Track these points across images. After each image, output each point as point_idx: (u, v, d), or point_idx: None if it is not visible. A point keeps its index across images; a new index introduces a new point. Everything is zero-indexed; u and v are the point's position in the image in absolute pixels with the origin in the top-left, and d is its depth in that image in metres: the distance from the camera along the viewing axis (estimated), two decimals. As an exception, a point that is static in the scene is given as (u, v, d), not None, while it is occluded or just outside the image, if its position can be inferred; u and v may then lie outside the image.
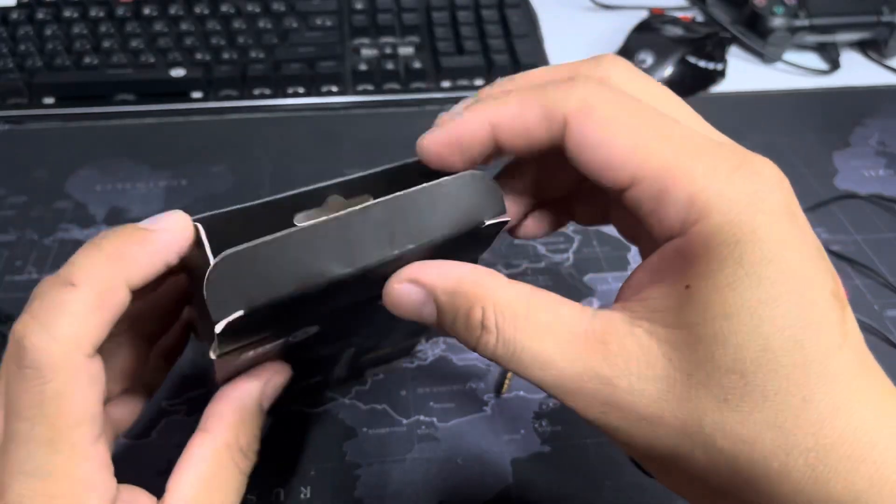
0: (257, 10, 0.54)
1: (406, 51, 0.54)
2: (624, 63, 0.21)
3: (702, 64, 0.54)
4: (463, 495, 0.30)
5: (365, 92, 0.52)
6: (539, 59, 0.54)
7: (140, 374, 0.24)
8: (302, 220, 0.21)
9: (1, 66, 0.50)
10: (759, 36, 0.57)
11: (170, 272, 0.20)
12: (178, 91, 0.51)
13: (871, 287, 0.39)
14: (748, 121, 0.52)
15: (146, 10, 0.53)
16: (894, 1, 0.57)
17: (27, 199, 0.43)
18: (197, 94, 0.51)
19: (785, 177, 0.17)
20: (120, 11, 0.53)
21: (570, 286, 0.39)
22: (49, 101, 0.50)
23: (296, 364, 0.25)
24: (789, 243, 0.16)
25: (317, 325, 0.23)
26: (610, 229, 0.42)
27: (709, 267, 0.16)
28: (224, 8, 0.54)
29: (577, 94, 0.18)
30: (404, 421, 0.32)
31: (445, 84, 0.53)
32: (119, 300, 0.19)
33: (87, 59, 0.50)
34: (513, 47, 0.54)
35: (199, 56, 0.51)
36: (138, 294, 0.19)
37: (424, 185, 0.20)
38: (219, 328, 0.18)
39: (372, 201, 0.19)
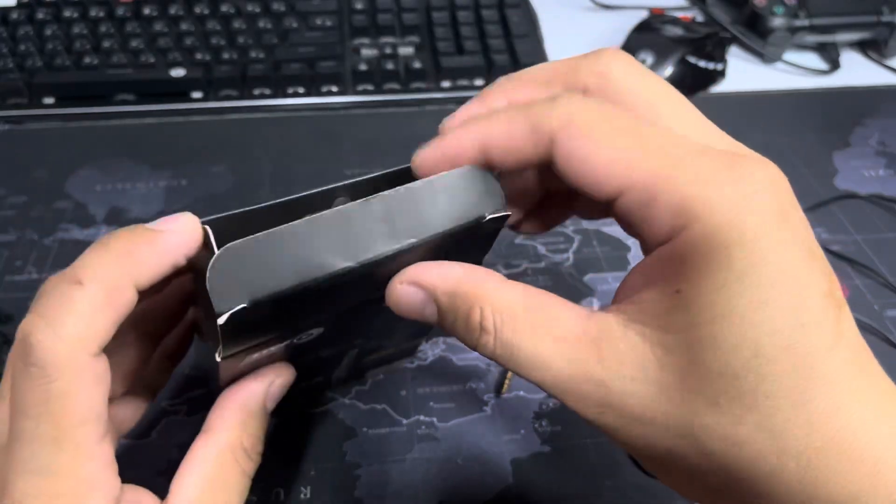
0: (257, 10, 0.54)
1: (406, 51, 0.54)
2: (624, 57, 0.21)
3: (702, 64, 0.54)
4: (463, 495, 0.30)
5: (365, 92, 0.52)
6: (539, 59, 0.54)
7: (143, 374, 0.24)
8: None
9: (1, 66, 0.50)
10: (759, 36, 0.57)
11: (176, 273, 0.20)
12: (178, 91, 0.51)
13: (871, 287, 0.39)
14: (748, 121, 0.52)
15: (146, 10, 0.53)
16: (894, 1, 0.57)
17: (27, 199, 0.43)
18: (197, 94, 0.51)
19: (779, 177, 0.17)
20: (120, 11, 0.53)
21: (570, 286, 0.39)
22: (49, 101, 0.50)
23: (298, 365, 0.25)
24: (780, 246, 0.16)
25: (321, 327, 0.23)
26: (610, 229, 0.42)
27: (698, 271, 0.16)
28: (224, 8, 0.54)
29: (562, 110, 0.18)
30: (404, 421, 0.32)
31: (445, 84, 0.53)
32: (126, 300, 0.18)
33: (87, 59, 0.50)
34: (513, 47, 0.54)
35: (199, 56, 0.51)
36: (144, 294, 0.19)
37: (424, 179, 0.20)
38: (221, 320, 0.18)
39: (373, 195, 0.19)
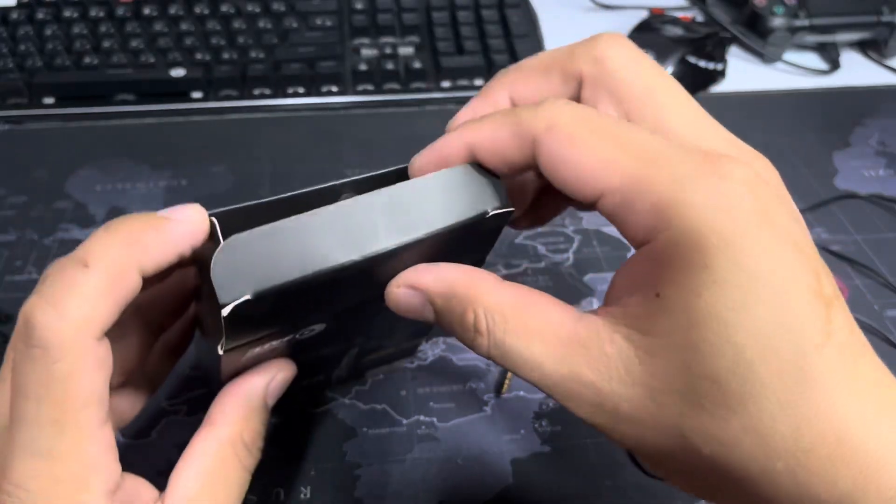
0: (257, 10, 0.54)
1: (406, 51, 0.54)
2: (621, 41, 0.21)
3: (702, 64, 0.54)
4: (463, 495, 0.30)
5: (365, 92, 0.52)
6: (539, 59, 0.54)
7: (143, 366, 0.24)
8: None
9: (1, 66, 0.50)
10: (759, 36, 0.57)
11: (179, 265, 0.20)
12: (178, 91, 0.51)
13: (871, 287, 0.39)
14: (748, 121, 0.52)
15: (146, 10, 0.53)
16: (894, 1, 0.57)
17: (27, 199, 0.43)
18: (197, 94, 0.51)
19: (761, 175, 0.17)
20: (120, 11, 0.53)
21: (570, 286, 0.39)
22: (49, 101, 0.50)
23: (300, 363, 0.25)
24: (759, 247, 0.16)
25: (323, 323, 0.23)
26: (610, 229, 0.42)
27: (677, 275, 0.16)
28: (224, 8, 0.54)
29: (545, 114, 0.19)
30: (404, 421, 0.32)
31: (445, 84, 0.53)
32: (131, 285, 0.18)
33: (87, 59, 0.50)
34: (513, 47, 0.54)
35: (199, 56, 0.51)
36: (147, 283, 0.19)
37: (429, 175, 0.20)
38: (225, 312, 0.18)
39: (377, 190, 0.19)
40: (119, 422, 0.23)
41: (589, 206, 0.19)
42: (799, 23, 0.56)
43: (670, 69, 0.53)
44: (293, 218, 0.18)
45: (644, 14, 0.60)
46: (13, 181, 0.44)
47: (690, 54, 0.54)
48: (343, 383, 0.33)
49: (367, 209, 0.19)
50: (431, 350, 0.35)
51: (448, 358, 0.35)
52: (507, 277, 0.20)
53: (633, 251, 0.18)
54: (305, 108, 0.51)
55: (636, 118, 0.20)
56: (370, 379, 0.34)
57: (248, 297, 0.18)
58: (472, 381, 0.34)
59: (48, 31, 0.52)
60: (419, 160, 0.21)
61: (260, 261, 0.18)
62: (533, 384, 0.18)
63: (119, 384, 0.23)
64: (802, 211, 0.18)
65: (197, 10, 0.54)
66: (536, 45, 0.56)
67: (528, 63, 0.22)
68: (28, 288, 0.37)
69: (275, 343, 0.22)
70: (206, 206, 0.20)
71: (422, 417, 0.32)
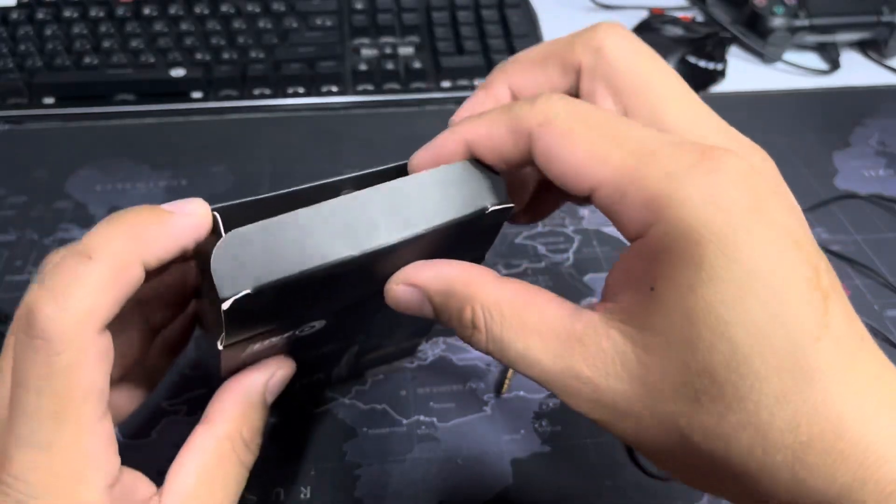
0: (257, 10, 0.54)
1: (406, 51, 0.54)
2: (619, 31, 0.21)
3: (702, 64, 0.54)
4: (463, 495, 0.30)
5: (365, 92, 0.52)
6: (539, 59, 0.54)
7: (142, 361, 0.24)
8: None
9: (1, 66, 0.50)
10: (759, 36, 0.57)
11: (180, 259, 0.20)
12: (178, 91, 0.51)
13: (871, 287, 0.39)
14: (748, 121, 0.52)
15: (146, 10, 0.53)
16: (894, 1, 0.57)
17: (27, 199, 0.43)
18: (197, 94, 0.51)
19: (755, 167, 0.17)
20: (120, 11, 0.53)
21: (570, 286, 0.39)
22: (49, 101, 0.50)
23: (300, 361, 0.25)
24: (753, 241, 0.16)
25: (323, 320, 0.23)
26: (610, 229, 0.42)
27: (670, 270, 0.16)
28: (224, 8, 0.54)
29: (539, 110, 0.19)
30: (404, 421, 0.32)
31: (445, 84, 0.53)
32: (133, 277, 0.18)
33: (87, 59, 0.50)
34: (513, 47, 0.54)
35: (199, 56, 0.51)
36: (148, 277, 0.19)
37: (429, 170, 0.20)
38: (226, 306, 0.18)
39: (377, 185, 0.19)
40: (117, 416, 0.23)
41: (585, 199, 0.19)
42: (799, 23, 0.56)
43: (670, 69, 0.53)
44: (293, 213, 0.18)
45: (644, 14, 0.60)
46: (13, 181, 0.44)
47: (690, 54, 0.54)
48: (343, 382, 0.33)
49: (366, 204, 0.19)
50: (431, 350, 0.35)
51: (448, 358, 0.35)
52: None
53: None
54: (305, 108, 0.51)
55: (633, 109, 0.20)
56: (370, 379, 0.34)
57: (248, 291, 0.18)
58: (472, 381, 0.34)
59: (48, 31, 0.52)
60: (418, 157, 0.22)
61: (260, 255, 0.18)
62: (532, 379, 0.18)
63: (118, 378, 0.23)
64: (803, 211, 0.18)
65: (197, 10, 0.54)
66: (536, 45, 0.56)
67: (527, 54, 0.23)
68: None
69: (275, 339, 0.22)
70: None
71: (422, 417, 0.32)
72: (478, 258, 0.25)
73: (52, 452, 0.18)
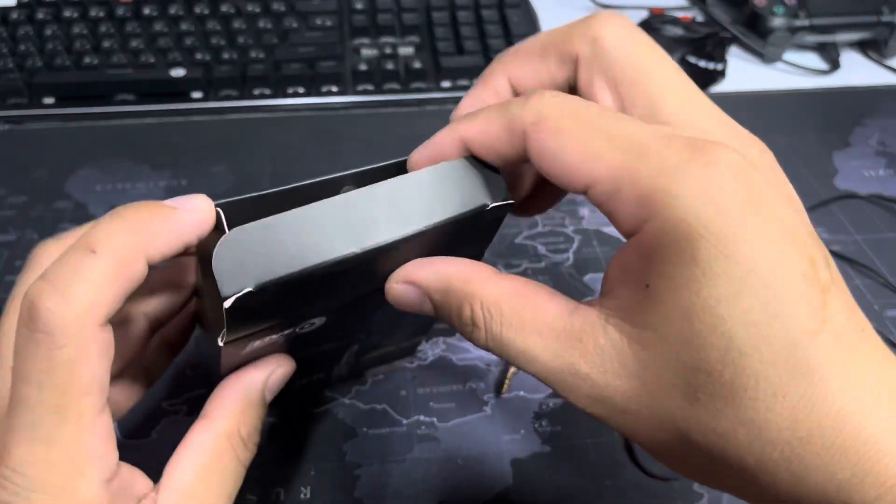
0: (257, 10, 0.54)
1: (406, 51, 0.54)
2: (616, 20, 0.21)
3: (702, 64, 0.54)
4: (463, 495, 0.30)
5: (365, 92, 0.52)
6: (539, 59, 0.54)
7: (140, 358, 0.24)
8: None
9: (1, 66, 0.50)
10: (759, 36, 0.57)
11: (182, 255, 0.20)
12: (178, 91, 0.51)
13: (871, 287, 0.39)
14: (748, 121, 0.51)
15: (146, 10, 0.53)
16: (894, 1, 0.57)
17: (27, 199, 0.43)
18: (197, 94, 0.51)
19: (756, 161, 0.16)
20: (120, 11, 0.53)
21: (570, 286, 0.39)
22: (49, 101, 0.50)
23: (300, 359, 0.25)
24: (747, 235, 0.15)
25: (323, 317, 0.23)
26: (610, 229, 0.42)
27: (665, 266, 0.16)
28: (224, 8, 0.54)
29: (533, 107, 0.19)
30: (404, 421, 0.32)
31: (445, 84, 0.53)
32: (136, 272, 0.18)
33: (87, 59, 0.50)
34: (513, 47, 0.54)
35: (199, 56, 0.51)
36: (149, 271, 0.19)
37: (429, 167, 0.20)
38: (227, 303, 0.18)
39: (378, 182, 0.19)
40: (114, 412, 0.23)
41: (584, 193, 0.19)
42: (799, 23, 0.56)
43: (670, 69, 0.53)
44: (293, 210, 0.18)
45: (644, 14, 0.59)
46: (13, 181, 0.44)
47: (690, 54, 0.54)
48: (343, 382, 0.33)
49: (367, 202, 0.19)
50: (431, 350, 0.35)
51: (448, 358, 0.35)
52: (505, 276, 0.20)
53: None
54: (305, 108, 0.51)
55: (631, 99, 0.20)
56: (370, 378, 0.34)
57: (249, 288, 0.18)
58: (472, 381, 0.34)
59: (48, 31, 0.52)
60: (416, 155, 0.22)
61: (261, 253, 0.18)
62: (532, 375, 0.19)
63: (116, 374, 0.23)
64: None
65: (197, 10, 0.54)
66: (536, 45, 0.56)
67: (525, 46, 0.23)
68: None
69: (275, 337, 0.22)
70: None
71: (422, 417, 0.32)
72: (477, 255, 0.25)
73: (51, 446, 0.18)
